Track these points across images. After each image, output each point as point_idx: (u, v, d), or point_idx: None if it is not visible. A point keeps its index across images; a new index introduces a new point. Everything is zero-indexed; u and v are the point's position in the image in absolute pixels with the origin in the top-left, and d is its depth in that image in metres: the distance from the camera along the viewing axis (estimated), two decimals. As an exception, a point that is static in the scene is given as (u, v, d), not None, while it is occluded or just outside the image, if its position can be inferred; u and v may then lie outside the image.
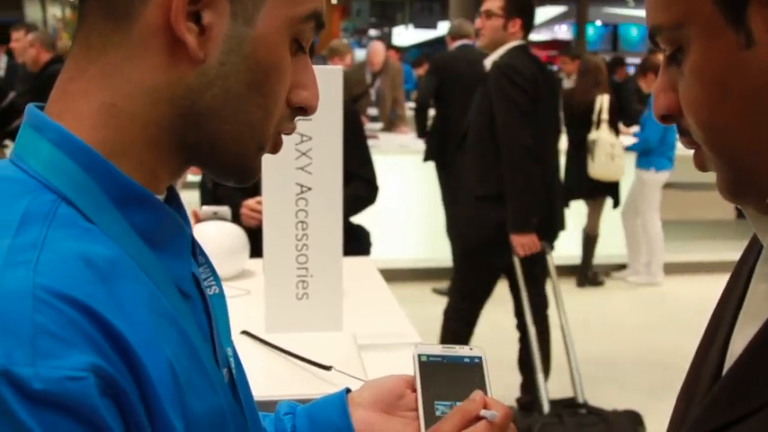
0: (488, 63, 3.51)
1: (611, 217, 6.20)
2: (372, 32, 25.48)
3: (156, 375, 0.62)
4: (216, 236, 2.41)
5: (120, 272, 0.63)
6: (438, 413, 0.89)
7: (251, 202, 2.88)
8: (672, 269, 6.31)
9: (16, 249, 0.59)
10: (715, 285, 1.00)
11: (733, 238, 6.42)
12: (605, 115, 5.74)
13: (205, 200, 3.05)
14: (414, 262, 6.22)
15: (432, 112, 5.83)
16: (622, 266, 6.50)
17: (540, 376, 3.47)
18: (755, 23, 0.60)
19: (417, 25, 21.98)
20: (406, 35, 24.81)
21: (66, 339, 0.57)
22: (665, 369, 4.40)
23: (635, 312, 5.73)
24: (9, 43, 6.86)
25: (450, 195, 5.39)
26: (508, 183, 3.36)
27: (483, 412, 0.85)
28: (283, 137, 0.77)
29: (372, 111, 8.38)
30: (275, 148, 0.76)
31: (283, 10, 0.70)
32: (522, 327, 3.73)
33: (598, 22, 24.61)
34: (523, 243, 3.41)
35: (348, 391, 1.01)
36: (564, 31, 25.65)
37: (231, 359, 0.81)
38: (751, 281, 0.74)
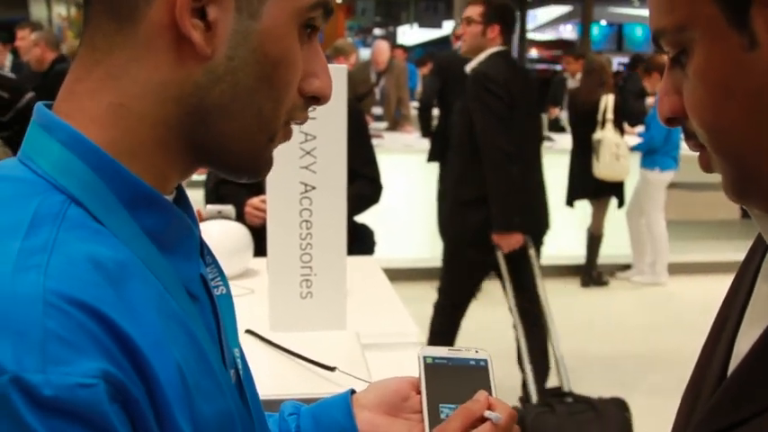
0: (469, 69, 3.61)
1: (615, 217, 6.19)
2: (377, 31, 25.50)
3: (164, 379, 0.62)
4: (220, 235, 2.41)
5: (130, 274, 0.63)
6: (443, 416, 0.89)
7: (255, 200, 2.88)
8: (676, 269, 6.30)
9: (27, 252, 0.59)
10: (720, 285, 1.00)
11: (738, 239, 6.39)
12: (610, 115, 5.73)
13: (209, 199, 3.04)
14: (418, 261, 6.21)
15: (436, 112, 5.83)
16: (627, 266, 6.49)
17: (526, 366, 3.58)
18: (758, 25, 0.59)
19: (422, 24, 22.00)
20: (410, 34, 24.82)
21: (76, 345, 0.56)
22: (669, 369, 4.39)
23: (639, 312, 5.72)
24: (14, 42, 6.87)
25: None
26: (490, 186, 3.47)
27: (487, 413, 0.85)
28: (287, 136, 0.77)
29: (377, 110, 8.39)
30: (286, 137, 0.75)
31: (289, 1, 0.69)
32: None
33: (603, 22, 24.58)
34: (508, 242, 3.54)
35: (353, 391, 1.00)
36: (569, 31, 25.62)
37: (238, 360, 0.81)
38: (756, 281, 0.74)
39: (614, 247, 6.37)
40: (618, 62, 17.51)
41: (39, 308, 0.56)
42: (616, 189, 5.95)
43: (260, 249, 2.34)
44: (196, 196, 4.24)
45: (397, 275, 3.44)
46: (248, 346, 1.74)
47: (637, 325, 5.40)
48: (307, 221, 1.86)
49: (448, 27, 17.32)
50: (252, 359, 0.90)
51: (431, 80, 5.70)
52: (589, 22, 16.89)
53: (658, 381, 4.32)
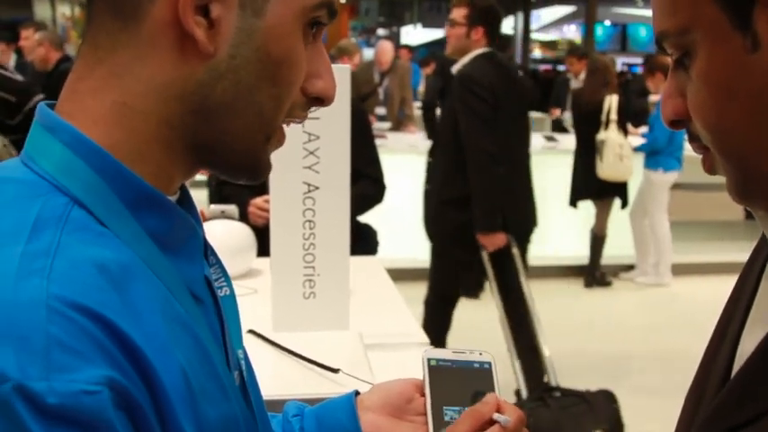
0: (454, 71, 3.66)
1: (619, 217, 6.19)
2: (381, 32, 25.51)
3: (169, 384, 0.61)
4: (223, 234, 2.41)
5: (133, 277, 0.63)
6: (447, 418, 0.89)
7: (259, 200, 2.88)
8: (680, 270, 6.30)
9: (30, 256, 0.58)
10: (723, 286, 1.00)
11: (742, 239, 6.40)
12: (614, 115, 5.73)
13: (212, 199, 3.05)
14: (421, 262, 6.18)
15: (439, 112, 5.83)
16: (630, 267, 6.49)
17: (515, 363, 3.66)
18: (761, 27, 0.60)
19: (426, 24, 22.00)
20: (414, 34, 24.82)
21: (80, 351, 0.56)
22: (672, 370, 4.38)
23: (643, 313, 5.72)
24: (18, 42, 6.88)
25: None
26: (474, 186, 3.51)
27: (496, 416, 0.85)
28: (291, 137, 0.76)
29: (380, 110, 8.39)
30: (279, 140, 0.74)
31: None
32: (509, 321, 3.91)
33: (607, 22, 24.56)
34: (492, 242, 3.59)
35: (356, 393, 1.00)
36: (573, 31, 25.61)
37: (242, 362, 0.81)
38: (760, 281, 0.74)
39: (618, 248, 6.36)
40: (622, 62, 17.49)
41: (42, 314, 0.55)
42: (619, 190, 5.94)
43: (263, 249, 2.34)
44: (199, 196, 4.25)
45: (400, 276, 3.44)
46: (251, 346, 1.75)
47: (640, 326, 5.39)
48: (310, 221, 1.86)
49: (451, 27, 17.30)
50: (255, 359, 0.90)
51: (434, 80, 5.71)
52: (593, 22, 16.87)
53: (662, 381, 4.32)
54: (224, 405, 0.70)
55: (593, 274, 6.22)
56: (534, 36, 23.54)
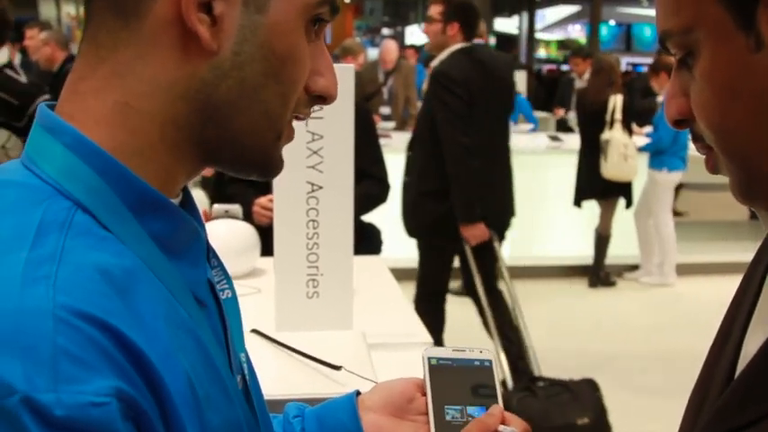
0: (431, 66, 3.77)
1: (623, 217, 6.18)
2: (385, 31, 25.52)
3: (175, 391, 0.61)
4: (227, 234, 2.41)
5: (137, 282, 0.62)
6: (448, 417, 0.89)
7: (263, 200, 2.88)
8: (684, 270, 6.29)
9: (34, 263, 0.57)
10: (728, 286, 1.00)
11: (746, 239, 6.38)
12: (618, 115, 5.72)
13: (212, 199, 3.04)
14: (425, 261, 6.20)
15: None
16: (635, 267, 6.48)
17: (501, 356, 3.78)
18: (764, 26, 0.59)
19: (430, 24, 21.93)
20: (419, 34, 24.80)
21: (87, 362, 0.55)
22: (677, 370, 4.38)
23: (647, 313, 5.71)
24: (23, 41, 6.88)
25: None
26: (451, 179, 3.62)
27: (501, 428, 0.85)
28: (295, 136, 0.75)
29: (385, 109, 8.39)
30: (289, 136, 0.74)
31: None
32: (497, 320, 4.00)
33: (612, 22, 24.53)
34: (474, 234, 3.71)
35: (358, 393, 1.00)
36: (577, 31, 25.59)
37: (245, 365, 0.81)
38: (764, 282, 0.73)
39: (622, 248, 6.36)
40: (626, 62, 17.47)
41: (49, 324, 0.54)
42: (624, 189, 5.94)
43: (267, 249, 2.34)
44: (198, 195, 4.25)
45: (403, 275, 3.45)
46: (254, 345, 1.75)
47: (644, 325, 5.38)
48: (313, 221, 1.86)
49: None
50: (257, 358, 0.90)
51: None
52: (597, 22, 16.85)
53: (666, 381, 4.31)
54: (227, 410, 0.70)
55: (598, 273, 6.22)
56: (539, 36, 23.51)
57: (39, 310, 0.55)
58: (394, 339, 1.94)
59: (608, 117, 5.74)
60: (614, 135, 5.70)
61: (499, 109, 3.87)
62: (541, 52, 24.30)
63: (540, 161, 6.72)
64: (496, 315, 3.93)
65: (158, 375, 0.60)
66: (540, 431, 3.27)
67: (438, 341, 3.81)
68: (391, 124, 8.05)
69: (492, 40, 17.09)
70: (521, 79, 8.76)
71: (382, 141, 3.57)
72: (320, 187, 1.84)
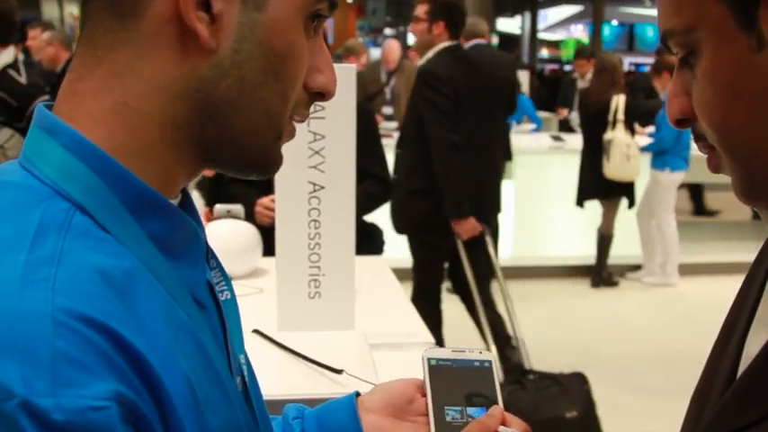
0: (418, 65, 3.85)
1: (625, 217, 6.18)
2: (388, 31, 25.50)
3: (174, 393, 0.60)
4: (229, 234, 2.41)
5: (137, 284, 0.61)
6: (448, 418, 0.89)
7: (265, 200, 2.88)
8: (687, 270, 6.28)
9: (33, 265, 0.56)
10: (730, 286, 1.00)
11: (749, 239, 6.38)
12: (621, 115, 5.71)
13: (208, 200, 3.04)
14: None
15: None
16: (637, 267, 6.47)
17: (492, 349, 3.84)
18: (766, 26, 0.59)
19: (432, 24, 21.93)
20: (420, 34, 24.80)
21: (87, 366, 0.54)
22: (679, 370, 4.37)
23: (649, 313, 5.70)
24: (26, 41, 6.89)
25: None
26: (439, 177, 3.68)
27: (501, 429, 0.85)
28: (296, 136, 0.75)
29: (387, 109, 8.38)
30: (290, 135, 0.73)
31: None
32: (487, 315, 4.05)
33: (614, 22, 24.52)
34: (465, 229, 3.77)
35: (358, 394, 1.00)
36: (580, 31, 25.58)
37: (244, 367, 0.80)
38: (766, 282, 0.73)
39: (624, 248, 6.35)
40: (629, 62, 17.45)
41: (48, 327, 0.54)
42: (626, 189, 5.93)
43: (269, 249, 2.34)
44: (192, 196, 4.26)
45: (406, 275, 3.45)
46: (255, 345, 1.74)
47: (646, 326, 5.38)
48: (315, 221, 1.86)
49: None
50: (258, 359, 0.89)
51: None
52: (600, 21, 16.86)
53: (668, 381, 4.30)
54: (227, 411, 0.69)
55: (600, 273, 6.21)
56: (541, 36, 23.49)
57: (38, 313, 0.54)
58: (396, 339, 1.94)
59: (610, 117, 5.74)
60: (617, 135, 5.70)
61: (487, 106, 3.91)
62: (544, 52, 24.29)
63: (543, 161, 6.72)
64: (488, 311, 3.97)
65: (158, 378, 0.59)
66: (529, 424, 3.28)
67: (437, 339, 3.82)
68: (393, 124, 8.04)
69: (495, 40, 17.08)
70: (523, 79, 8.76)
71: (384, 141, 3.56)
72: (322, 187, 1.84)
